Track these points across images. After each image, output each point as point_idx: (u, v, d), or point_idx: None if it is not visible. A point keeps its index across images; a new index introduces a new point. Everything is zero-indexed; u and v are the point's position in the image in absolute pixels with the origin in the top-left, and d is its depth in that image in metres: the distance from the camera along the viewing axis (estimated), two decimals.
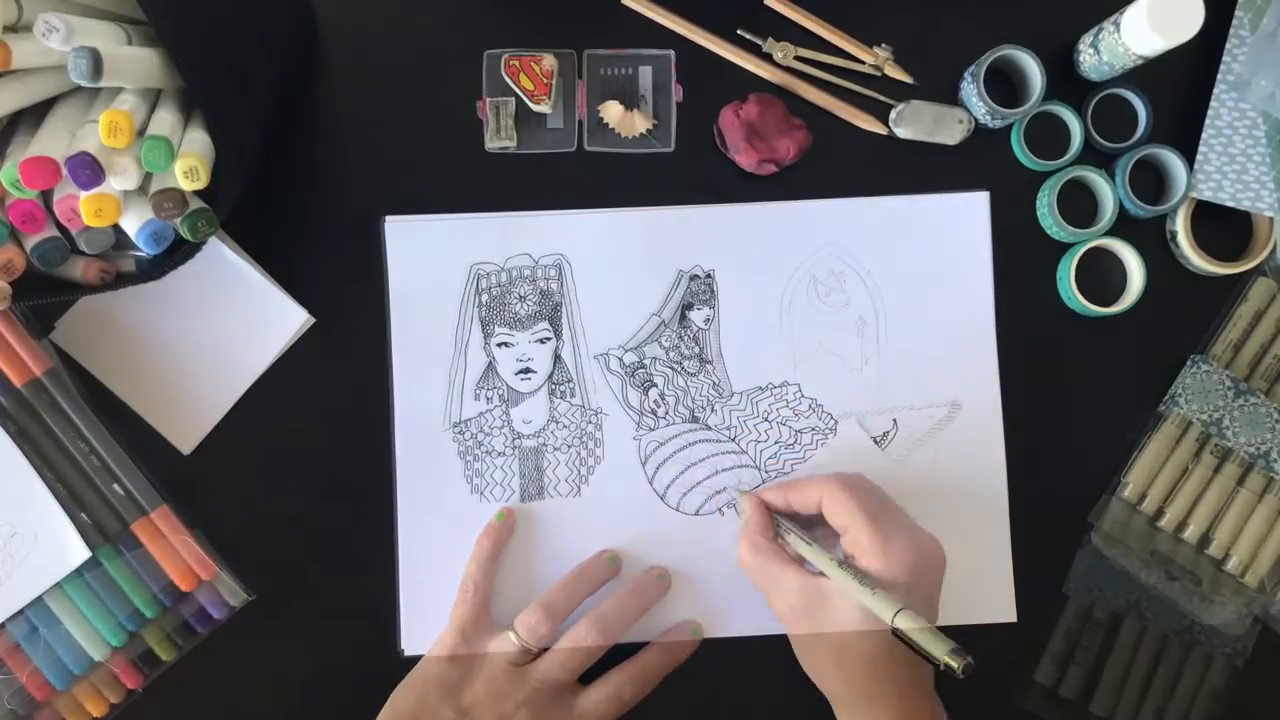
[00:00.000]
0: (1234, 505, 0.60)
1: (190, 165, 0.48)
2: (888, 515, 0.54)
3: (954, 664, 0.47)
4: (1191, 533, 0.61)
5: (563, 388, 0.62)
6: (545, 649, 0.57)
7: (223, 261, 0.60)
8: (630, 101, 0.62)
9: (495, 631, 0.58)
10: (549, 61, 0.62)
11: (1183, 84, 0.63)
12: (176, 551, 0.59)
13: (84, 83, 0.45)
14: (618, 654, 0.59)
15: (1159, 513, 0.61)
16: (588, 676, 0.58)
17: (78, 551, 0.58)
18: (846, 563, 0.53)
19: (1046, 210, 0.62)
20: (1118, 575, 0.60)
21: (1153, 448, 0.61)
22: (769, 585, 0.54)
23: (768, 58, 0.63)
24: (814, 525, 0.57)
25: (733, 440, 0.62)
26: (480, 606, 0.58)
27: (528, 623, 0.57)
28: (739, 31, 0.63)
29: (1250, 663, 0.60)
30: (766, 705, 0.61)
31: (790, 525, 0.56)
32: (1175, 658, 0.60)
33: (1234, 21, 0.61)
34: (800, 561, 0.55)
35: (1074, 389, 0.62)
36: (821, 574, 0.53)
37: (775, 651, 0.60)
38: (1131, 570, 0.60)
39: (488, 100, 0.62)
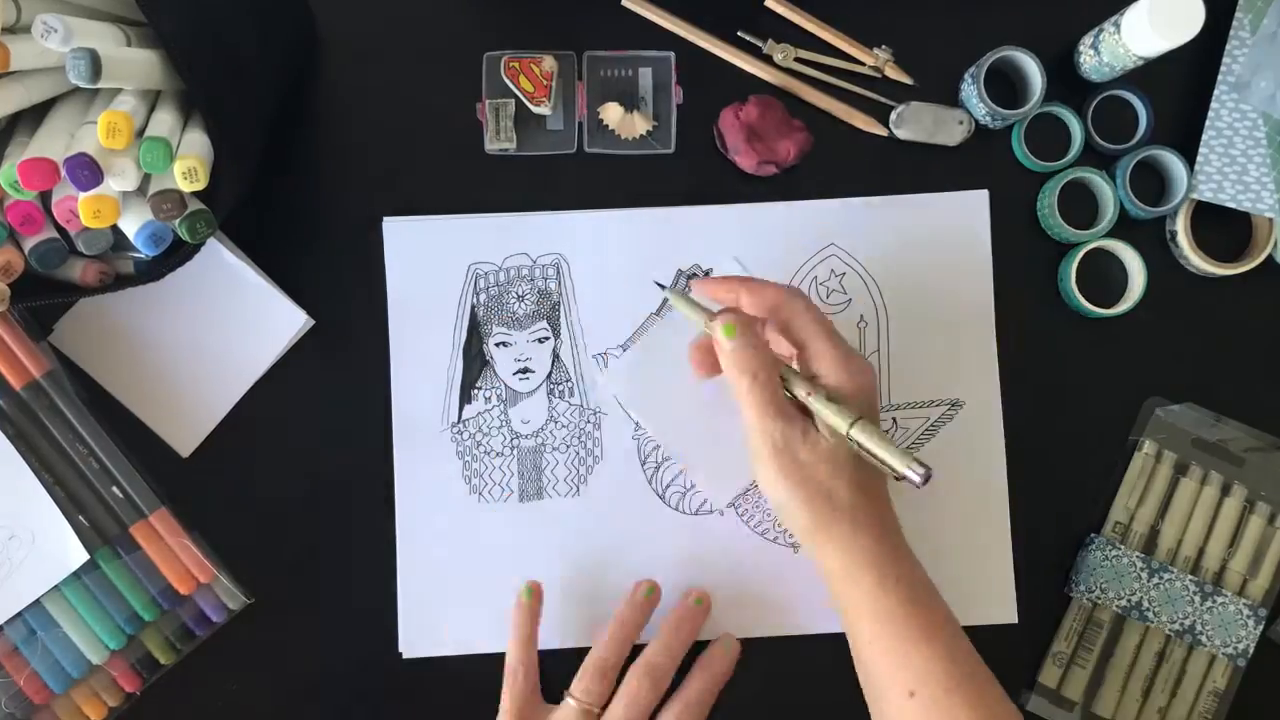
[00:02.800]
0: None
1: (189, 166, 0.48)
2: (839, 333, 0.53)
3: (913, 472, 0.47)
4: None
5: (561, 387, 0.62)
6: (605, 706, 0.57)
7: (222, 263, 0.60)
8: (630, 103, 0.62)
9: (550, 707, 0.58)
10: (549, 63, 0.62)
11: (1183, 85, 0.63)
12: (175, 554, 0.58)
13: (83, 84, 0.45)
14: None
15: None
16: None
17: (76, 554, 0.58)
18: (806, 380, 0.52)
19: (1047, 211, 0.62)
20: (1120, 576, 0.60)
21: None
22: (774, 411, 0.51)
23: (768, 59, 0.63)
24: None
25: None
26: (531, 686, 0.58)
27: (584, 685, 0.57)
28: (739, 33, 0.63)
29: (1253, 663, 0.60)
30: (766, 705, 0.61)
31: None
32: (1178, 658, 0.60)
33: (1234, 22, 0.61)
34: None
35: (1074, 389, 0.62)
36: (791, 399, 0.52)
37: (775, 651, 0.60)
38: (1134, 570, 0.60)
39: (487, 102, 0.62)
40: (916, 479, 0.48)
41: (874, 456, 0.50)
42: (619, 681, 0.57)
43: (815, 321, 0.52)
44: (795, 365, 0.53)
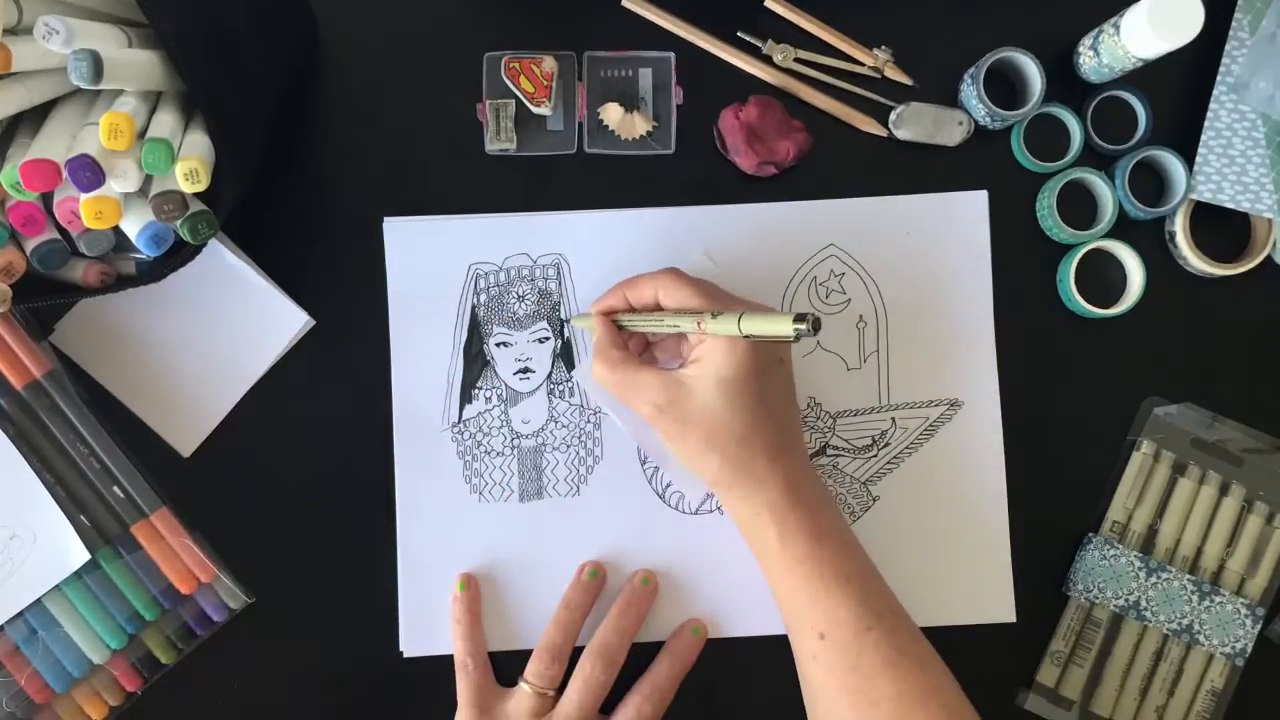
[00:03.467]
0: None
1: (190, 167, 0.48)
2: (719, 293, 0.54)
3: (801, 326, 0.46)
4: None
5: (561, 387, 0.62)
6: (561, 689, 0.58)
7: (223, 263, 0.60)
8: (630, 103, 0.62)
9: (506, 692, 0.59)
10: (549, 64, 0.62)
11: (1182, 86, 0.63)
12: (176, 554, 0.59)
13: (84, 85, 0.45)
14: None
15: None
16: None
17: (77, 554, 0.58)
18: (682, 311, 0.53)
19: (1046, 212, 0.62)
20: (1118, 575, 0.60)
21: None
22: (631, 391, 0.53)
23: (768, 60, 0.63)
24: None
25: None
26: (484, 675, 0.59)
27: (536, 669, 0.58)
28: (739, 34, 0.63)
29: (1251, 662, 0.60)
30: (766, 705, 0.61)
31: (626, 315, 0.56)
32: (1175, 657, 0.60)
33: (1233, 23, 0.61)
34: (652, 362, 0.57)
35: (1074, 390, 0.63)
36: (675, 369, 0.53)
37: (775, 652, 0.60)
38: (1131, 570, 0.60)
39: (488, 102, 0.62)
40: (804, 328, 0.46)
41: (771, 334, 0.49)
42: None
43: (688, 293, 0.53)
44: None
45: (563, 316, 0.62)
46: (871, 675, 0.50)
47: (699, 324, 0.51)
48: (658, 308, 0.54)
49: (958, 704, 0.51)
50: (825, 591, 0.51)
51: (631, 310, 0.56)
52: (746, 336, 0.50)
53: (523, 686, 0.58)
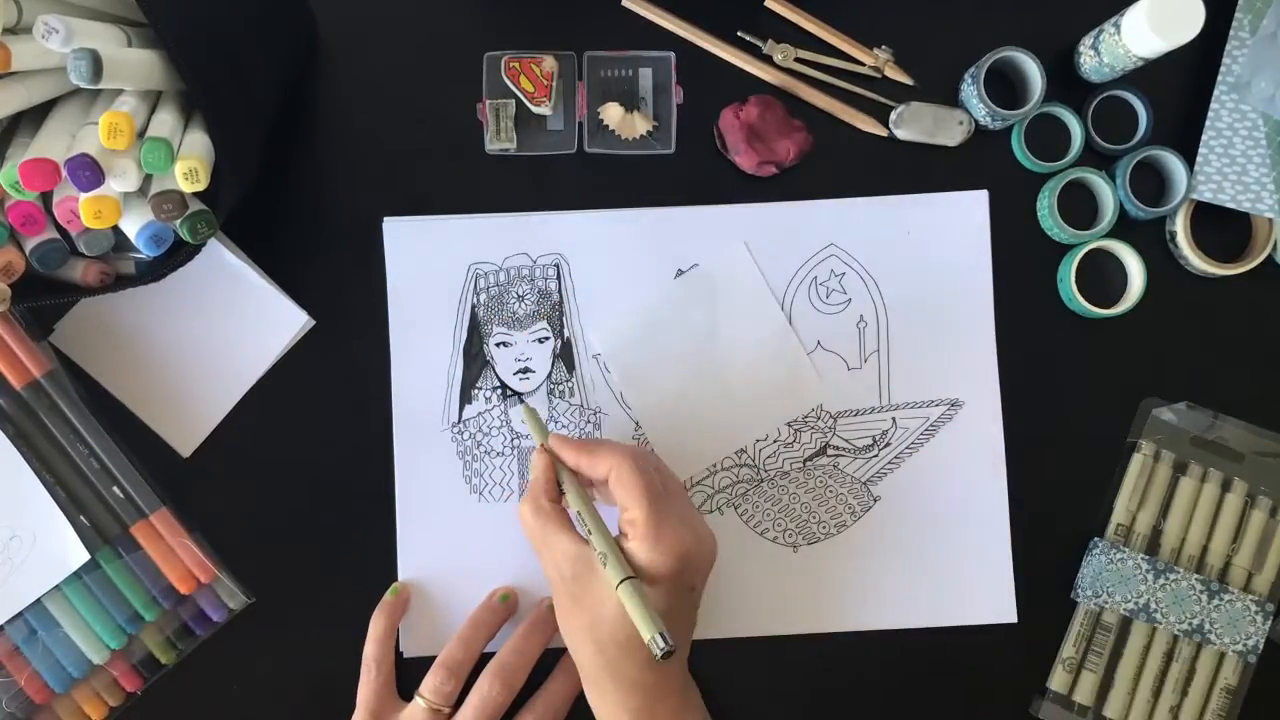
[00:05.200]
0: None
1: (190, 167, 0.48)
2: (668, 503, 0.52)
3: (655, 648, 0.46)
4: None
5: (561, 387, 0.62)
6: (456, 707, 0.57)
7: (222, 263, 0.60)
8: (630, 103, 0.62)
9: (402, 704, 0.58)
10: (549, 63, 0.62)
11: (1183, 86, 0.63)
12: (175, 554, 0.59)
13: (84, 84, 0.45)
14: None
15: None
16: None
17: (77, 554, 0.58)
18: (606, 531, 0.51)
19: (1047, 212, 0.62)
20: (1125, 579, 0.60)
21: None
22: (543, 547, 0.52)
23: (768, 59, 0.63)
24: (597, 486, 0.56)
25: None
26: (385, 683, 0.59)
27: (432, 684, 0.57)
28: (739, 33, 0.63)
29: (1263, 659, 0.60)
30: (765, 706, 0.61)
31: (572, 483, 0.54)
32: (1186, 656, 0.60)
33: (1234, 23, 0.61)
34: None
35: (1074, 390, 0.63)
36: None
37: (774, 652, 0.60)
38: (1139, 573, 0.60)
39: (488, 102, 0.62)
40: (656, 652, 0.46)
41: (633, 619, 0.48)
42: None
43: (634, 491, 0.51)
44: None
45: (519, 391, 0.61)
46: None
47: (599, 556, 0.50)
48: (603, 483, 0.53)
49: None
50: None
51: (574, 473, 0.54)
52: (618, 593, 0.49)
53: (418, 701, 0.57)
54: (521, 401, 0.61)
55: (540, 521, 0.53)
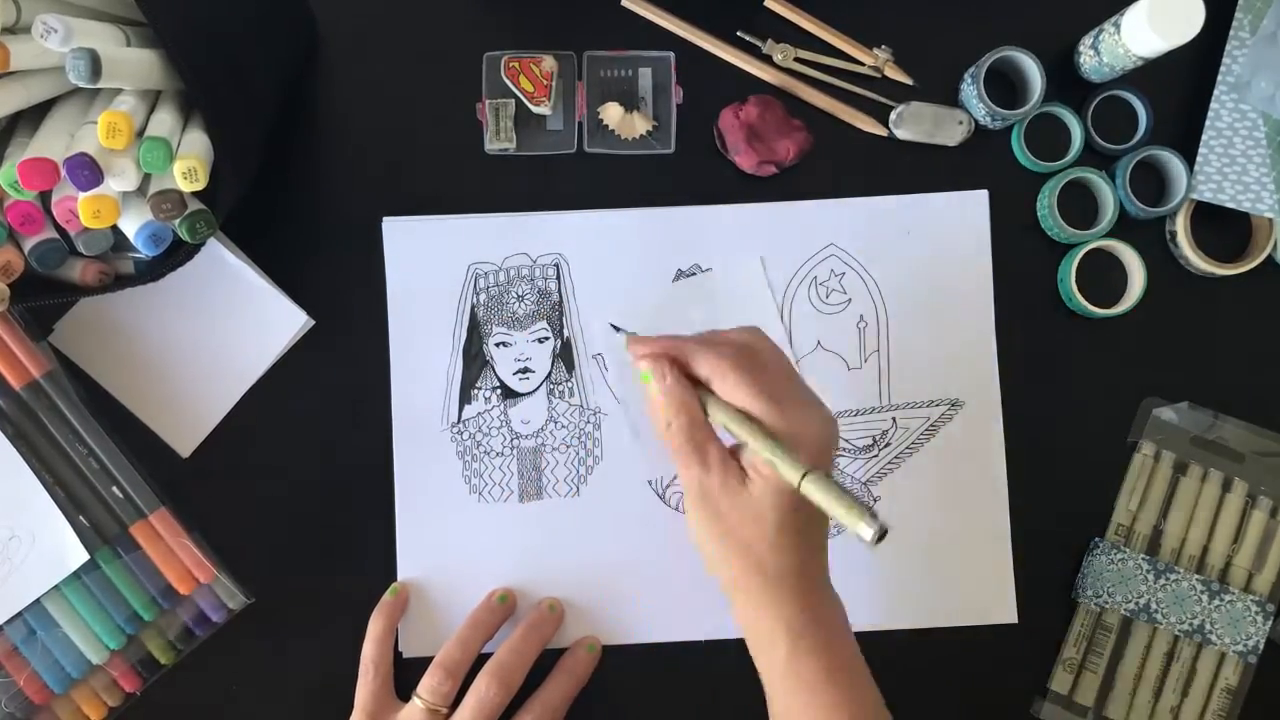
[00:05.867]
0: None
1: (189, 166, 0.48)
2: (791, 393, 0.49)
3: (868, 529, 0.43)
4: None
5: (561, 387, 0.62)
6: (454, 707, 0.57)
7: (222, 263, 0.60)
8: (630, 103, 0.62)
9: (400, 705, 0.58)
10: (549, 63, 0.62)
11: (1183, 85, 0.63)
12: (175, 554, 0.58)
13: (82, 84, 0.45)
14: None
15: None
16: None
17: (76, 554, 0.58)
18: (763, 434, 0.47)
19: (1047, 211, 0.62)
20: (1126, 579, 0.60)
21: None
22: (690, 458, 0.49)
23: (767, 59, 0.63)
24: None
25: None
26: (383, 684, 0.59)
27: (429, 684, 0.57)
28: (739, 33, 0.63)
29: (1264, 659, 0.60)
30: (765, 706, 0.61)
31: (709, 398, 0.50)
32: (1187, 657, 0.60)
33: (1234, 23, 0.61)
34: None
35: (1074, 390, 0.62)
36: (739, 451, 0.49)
37: None
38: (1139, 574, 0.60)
39: (487, 102, 0.62)
40: (868, 536, 0.43)
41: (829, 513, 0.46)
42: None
43: (750, 395, 0.48)
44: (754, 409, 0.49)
45: (612, 323, 0.60)
46: None
47: (770, 461, 0.47)
48: (705, 384, 0.50)
49: None
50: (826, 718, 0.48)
51: (657, 356, 0.50)
52: (801, 492, 0.46)
53: (416, 701, 0.57)
54: (619, 330, 0.58)
55: (690, 431, 0.48)
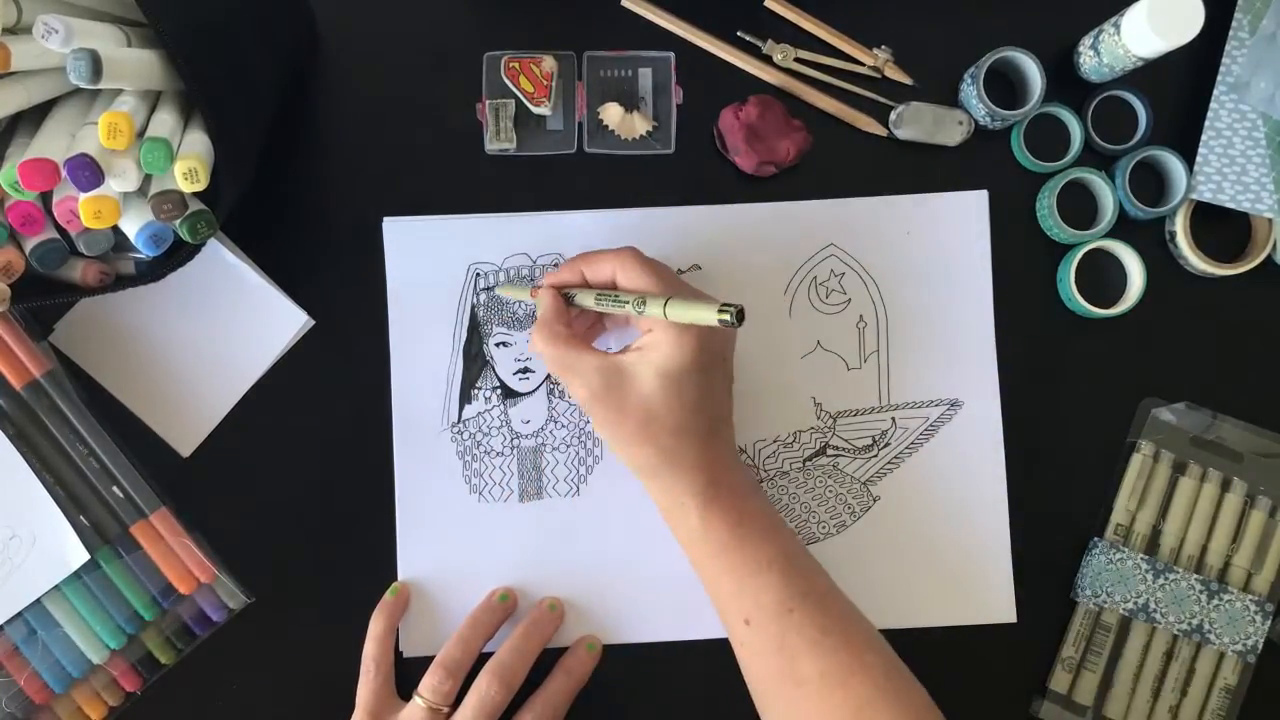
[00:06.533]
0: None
1: (190, 167, 0.48)
2: (680, 285, 0.54)
3: (725, 316, 0.46)
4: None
5: (561, 387, 0.62)
6: (455, 707, 0.57)
7: (222, 263, 0.60)
8: (630, 103, 0.62)
9: (401, 704, 0.58)
10: (549, 63, 0.62)
11: (1182, 86, 0.63)
12: (175, 554, 0.59)
13: (83, 84, 0.45)
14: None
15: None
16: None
17: (76, 554, 0.58)
18: (628, 289, 0.53)
19: (1046, 212, 0.62)
20: (1124, 579, 0.60)
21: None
22: (569, 372, 0.53)
23: (767, 59, 0.63)
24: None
25: None
26: (384, 683, 0.59)
27: (430, 684, 0.57)
28: (739, 33, 0.63)
29: (1263, 659, 0.60)
30: None
31: (579, 286, 0.56)
32: (1186, 656, 0.60)
33: (1233, 23, 0.61)
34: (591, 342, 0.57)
35: (1074, 390, 0.63)
36: (615, 354, 0.53)
37: None
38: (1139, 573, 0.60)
39: (487, 102, 0.62)
40: (730, 319, 0.46)
41: (694, 322, 0.50)
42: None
43: (647, 282, 0.52)
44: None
45: (485, 284, 0.62)
46: (795, 657, 0.50)
47: (635, 307, 0.51)
48: (613, 287, 0.54)
49: (888, 679, 0.51)
50: (749, 576, 0.51)
51: (584, 286, 0.55)
52: (673, 321, 0.50)
53: (416, 701, 0.57)
54: (491, 288, 0.61)
55: (561, 346, 0.53)
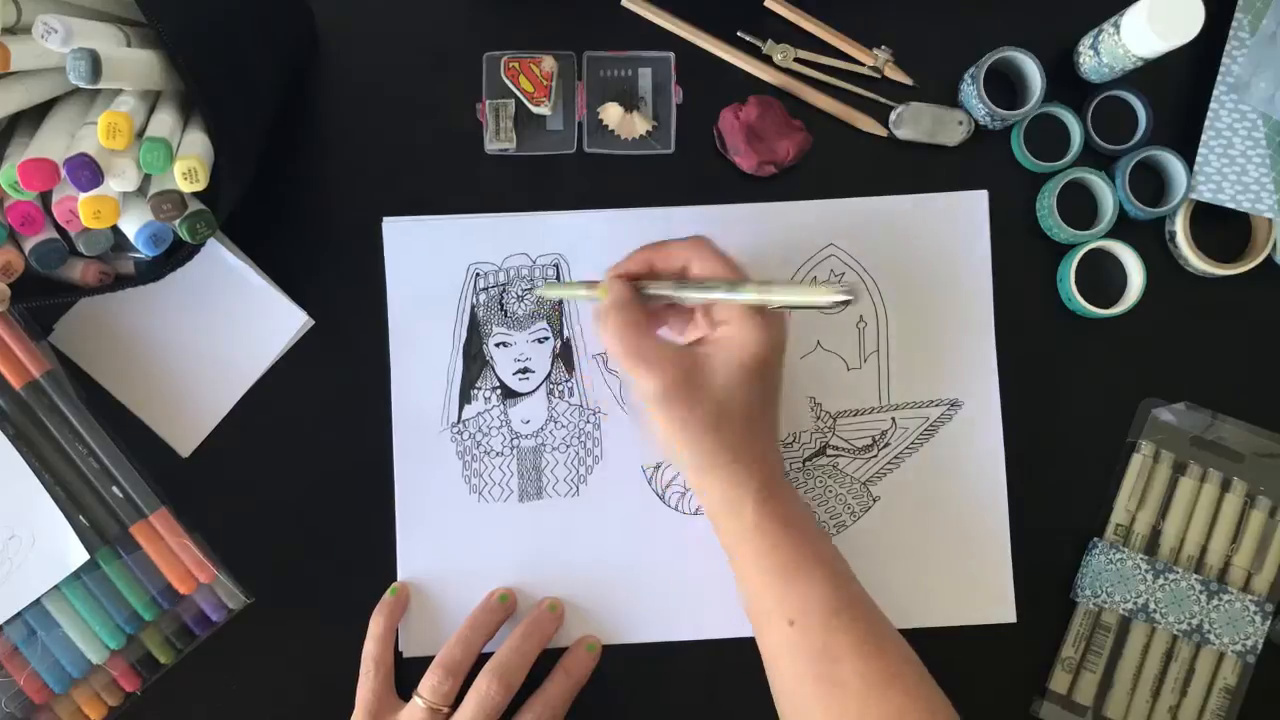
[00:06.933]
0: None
1: (189, 167, 0.48)
2: (747, 269, 0.53)
3: (842, 297, 0.47)
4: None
5: (561, 387, 0.62)
6: (455, 707, 0.57)
7: (222, 263, 0.60)
8: (630, 103, 0.62)
9: (401, 704, 0.58)
10: (548, 63, 0.62)
11: (1182, 86, 0.63)
12: (175, 554, 0.58)
13: (83, 84, 0.45)
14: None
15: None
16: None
17: (76, 554, 0.58)
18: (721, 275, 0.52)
19: (1046, 212, 0.62)
20: (1124, 579, 0.60)
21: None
22: (642, 363, 0.51)
23: (767, 60, 0.63)
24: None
25: None
26: (384, 683, 0.59)
27: (430, 684, 0.57)
28: (739, 33, 0.63)
29: (1263, 659, 0.60)
30: (765, 705, 0.61)
31: (647, 280, 0.54)
32: (1185, 656, 0.60)
33: (1233, 23, 0.61)
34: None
35: (1073, 390, 0.63)
36: (689, 345, 0.53)
37: None
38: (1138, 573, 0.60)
39: (487, 102, 0.62)
40: (844, 297, 0.47)
41: (799, 307, 0.50)
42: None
43: (701, 249, 0.52)
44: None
45: (526, 285, 0.61)
46: (838, 659, 0.50)
47: (725, 293, 0.51)
48: (683, 276, 0.53)
49: (920, 688, 0.51)
50: (798, 577, 0.51)
51: (653, 276, 0.54)
52: (780, 308, 0.50)
53: (416, 701, 0.57)
54: (537, 285, 0.61)
55: (637, 336, 0.51)
